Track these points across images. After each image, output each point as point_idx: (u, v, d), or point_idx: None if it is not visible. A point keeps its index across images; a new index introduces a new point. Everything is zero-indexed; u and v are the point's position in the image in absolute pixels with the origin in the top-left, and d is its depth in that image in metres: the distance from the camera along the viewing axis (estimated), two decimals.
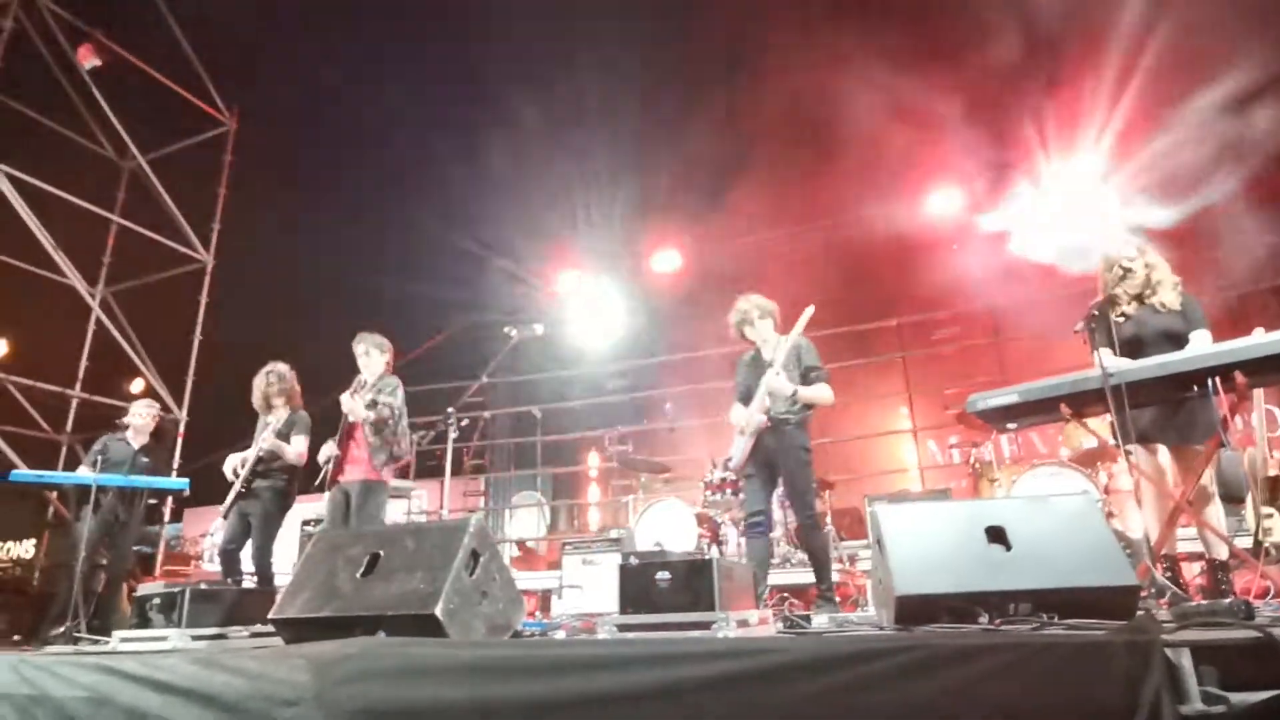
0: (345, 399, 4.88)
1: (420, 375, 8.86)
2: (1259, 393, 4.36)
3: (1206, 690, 1.65)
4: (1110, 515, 5.08)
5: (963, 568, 2.44)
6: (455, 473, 7.20)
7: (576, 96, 9.99)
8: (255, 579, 5.11)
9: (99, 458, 5.69)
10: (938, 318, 9.74)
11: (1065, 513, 2.47)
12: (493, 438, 11.39)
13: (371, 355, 5.16)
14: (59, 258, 8.59)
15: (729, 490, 6.59)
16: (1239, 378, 3.02)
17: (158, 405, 6.21)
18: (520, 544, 9.73)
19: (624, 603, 2.44)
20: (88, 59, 8.99)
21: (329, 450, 4.92)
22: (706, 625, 2.31)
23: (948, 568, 2.48)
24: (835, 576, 5.33)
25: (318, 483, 4.92)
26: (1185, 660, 1.67)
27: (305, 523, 6.93)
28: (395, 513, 8.35)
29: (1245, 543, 4.20)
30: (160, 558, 8.97)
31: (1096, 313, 3.60)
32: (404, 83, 10.48)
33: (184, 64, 10.54)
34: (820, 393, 4.27)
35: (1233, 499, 3.59)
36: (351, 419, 4.89)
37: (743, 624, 2.37)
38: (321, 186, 11.30)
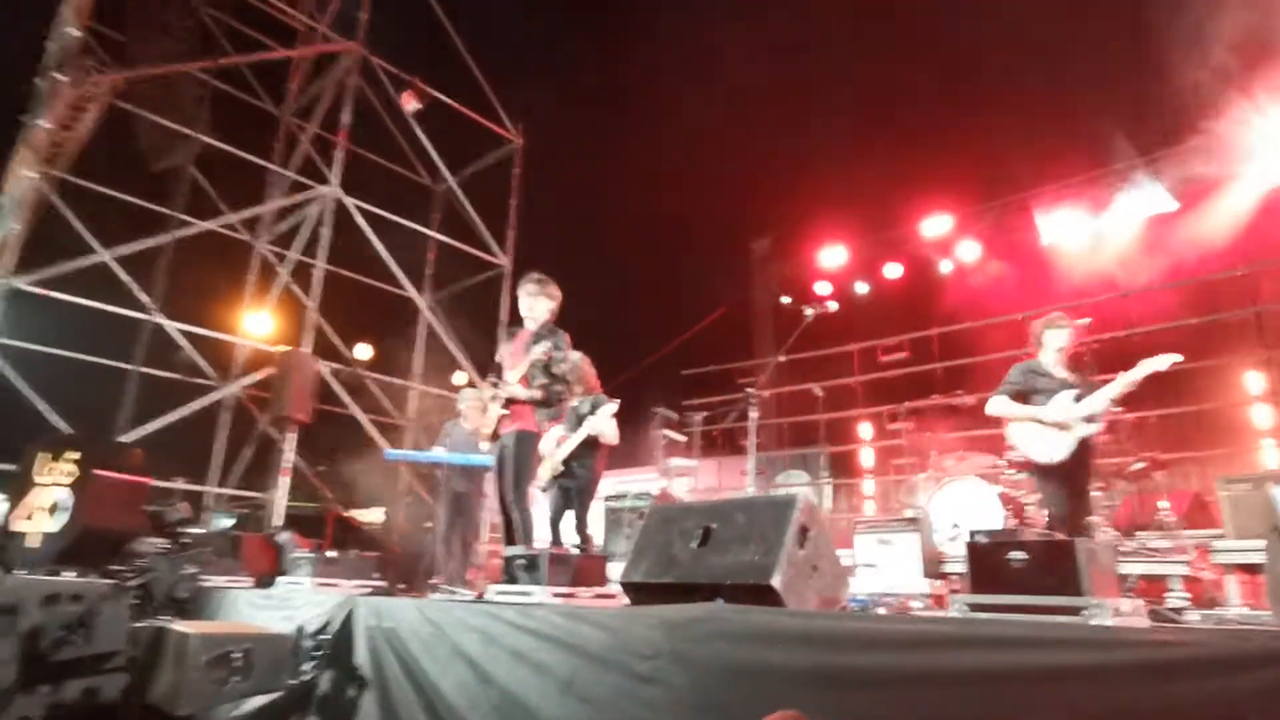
0: (508, 389, 4.70)
1: (698, 356, 9.27)
2: None
3: None
4: None
5: None
6: (738, 452, 7.41)
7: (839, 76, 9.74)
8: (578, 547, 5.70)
9: (446, 440, 6.75)
10: None
11: None
12: (763, 416, 11.51)
13: (539, 301, 4.90)
14: (398, 273, 10.28)
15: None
16: None
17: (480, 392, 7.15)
18: None
19: (973, 581, 2.36)
20: (409, 103, 10.59)
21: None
22: (1074, 611, 2.15)
23: None
24: (1184, 570, 4.73)
25: (490, 434, 4.75)
26: None
27: (606, 498, 7.57)
28: (681, 490, 8.82)
29: None
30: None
31: None
32: (672, 79, 10.91)
33: (478, 93, 12.01)
34: None
35: None
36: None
37: (1116, 613, 2.17)
38: (601, 183, 12.17)
